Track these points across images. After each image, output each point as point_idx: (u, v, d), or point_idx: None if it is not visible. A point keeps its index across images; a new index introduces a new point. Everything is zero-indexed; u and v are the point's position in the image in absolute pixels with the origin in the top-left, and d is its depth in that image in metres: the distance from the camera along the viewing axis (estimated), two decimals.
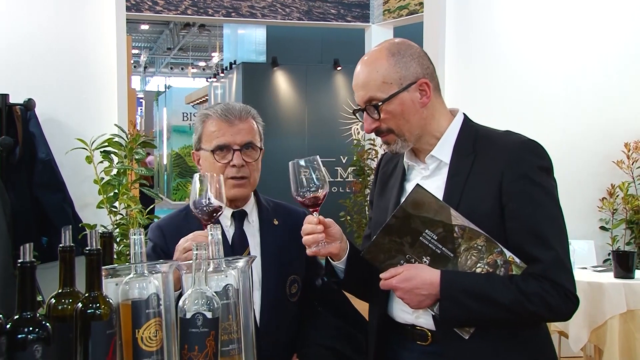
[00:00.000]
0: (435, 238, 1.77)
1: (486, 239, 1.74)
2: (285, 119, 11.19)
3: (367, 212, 7.21)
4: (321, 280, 2.32)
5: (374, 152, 7.56)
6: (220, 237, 1.61)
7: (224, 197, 1.79)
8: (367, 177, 7.55)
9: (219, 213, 1.79)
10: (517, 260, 1.73)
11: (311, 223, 1.87)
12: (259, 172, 2.21)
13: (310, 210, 1.88)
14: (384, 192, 2.06)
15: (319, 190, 1.86)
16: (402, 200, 1.83)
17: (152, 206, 4.16)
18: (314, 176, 1.86)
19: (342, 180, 10.66)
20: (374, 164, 7.24)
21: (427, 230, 1.77)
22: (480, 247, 1.74)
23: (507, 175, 1.76)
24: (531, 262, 1.72)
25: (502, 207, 1.75)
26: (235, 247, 2.14)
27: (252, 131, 2.16)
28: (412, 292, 1.76)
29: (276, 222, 2.24)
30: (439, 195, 1.83)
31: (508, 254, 1.73)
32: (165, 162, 22.69)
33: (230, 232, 2.19)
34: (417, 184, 1.81)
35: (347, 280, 1.96)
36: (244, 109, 2.18)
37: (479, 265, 1.75)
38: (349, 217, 7.72)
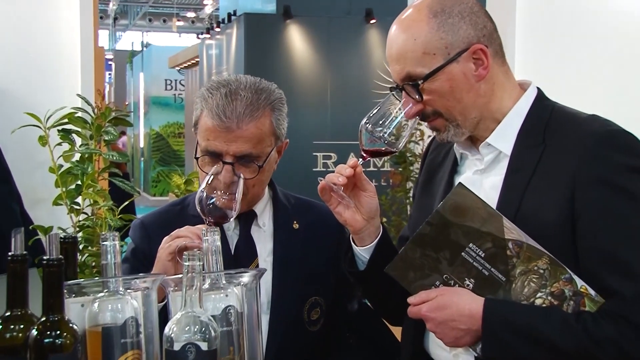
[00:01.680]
0: (482, 255, 1.78)
1: (550, 260, 1.73)
2: (301, 89, 11.20)
3: (408, 212, 7.17)
4: (357, 304, 2.34)
5: (419, 133, 7.53)
6: (219, 244, 1.62)
7: (238, 198, 1.85)
8: (410, 165, 7.52)
9: (232, 216, 1.83)
10: (592, 292, 1.72)
11: (348, 163, 1.90)
12: (265, 182, 2.21)
13: (361, 153, 1.91)
14: (430, 186, 2.09)
15: (386, 145, 1.89)
16: (445, 198, 1.84)
17: (126, 202, 4.17)
18: (397, 123, 1.90)
19: (376, 170, 10.64)
20: (419, 149, 7.21)
21: (471, 245, 1.78)
22: (542, 271, 1.74)
23: (581, 176, 1.76)
24: (608, 296, 1.71)
25: (574, 219, 1.75)
26: (240, 257, 2.15)
27: (257, 137, 2.11)
28: (446, 325, 1.77)
29: (296, 226, 2.26)
30: (494, 197, 1.84)
31: (580, 282, 1.73)
32: (141, 144, 22.84)
33: (233, 238, 2.20)
34: (459, 183, 1.82)
35: (368, 275, 1.98)
36: (254, 104, 2.12)
37: (539, 295, 1.75)
38: (385, 220, 7.70)
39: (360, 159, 1.92)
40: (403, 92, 1.90)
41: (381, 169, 10.44)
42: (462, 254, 1.78)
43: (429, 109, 1.90)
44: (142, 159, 22.62)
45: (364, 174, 1.93)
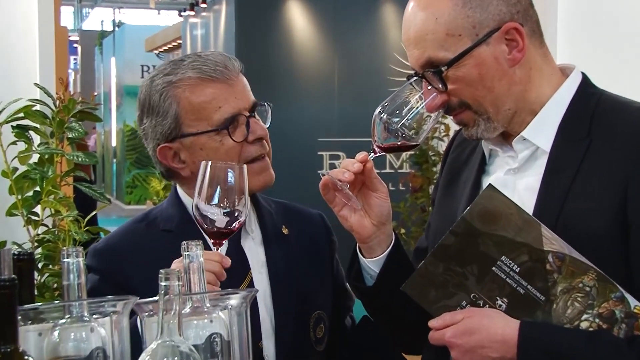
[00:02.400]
0: (517, 270, 1.78)
1: (598, 276, 1.74)
2: (303, 78, 11.20)
3: None
4: (350, 318, 2.42)
5: (443, 127, 7.53)
6: (202, 259, 1.63)
7: (247, 200, 1.88)
8: (433, 166, 7.52)
9: (239, 226, 1.89)
10: None
11: (357, 158, 1.93)
12: None
13: (374, 146, 1.94)
14: (453, 189, 2.11)
15: (411, 136, 1.92)
16: (472, 202, 1.85)
17: (94, 212, 4.18)
18: (416, 113, 1.93)
19: (392, 172, 10.65)
20: (443, 147, 7.21)
21: (503, 257, 1.79)
22: (588, 289, 1.75)
23: (636, 177, 1.77)
24: None
25: (627, 227, 1.76)
26: (231, 272, 2.15)
27: (248, 88, 2.29)
28: (475, 353, 1.78)
29: (286, 231, 2.34)
30: (530, 201, 1.85)
31: (633, 302, 1.73)
32: (113, 143, 22.88)
33: (222, 250, 2.21)
34: (489, 185, 1.83)
35: (377, 292, 2.00)
36: (231, 57, 2.28)
37: (585, 317, 1.76)
38: (403, 230, 7.69)
39: (372, 153, 1.94)
40: (423, 80, 1.91)
41: (399, 171, 10.45)
42: (493, 268, 1.79)
43: (454, 100, 1.91)
44: (115, 160, 22.66)
45: (375, 172, 1.93)
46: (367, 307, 2.15)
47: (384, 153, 1.97)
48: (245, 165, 1.92)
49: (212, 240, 1.92)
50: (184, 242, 1.67)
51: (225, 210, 1.87)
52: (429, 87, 1.92)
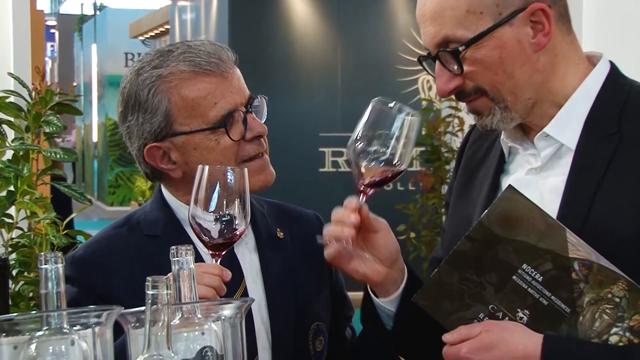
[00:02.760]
0: (540, 279, 1.79)
1: (629, 286, 1.74)
2: (304, 68, 11.20)
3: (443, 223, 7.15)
4: (350, 329, 2.43)
5: (457, 121, 7.53)
6: (193, 266, 1.64)
7: (247, 206, 1.89)
8: (446, 164, 7.51)
9: (240, 235, 1.89)
10: None
11: (346, 206, 1.91)
12: None
13: (359, 188, 1.93)
14: (469, 190, 2.11)
15: (389, 167, 1.91)
16: (491, 205, 1.85)
17: (74, 214, 4.19)
18: (395, 142, 1.92)
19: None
20: (457, 143, 7.21)
21: (525, 266, 1.79)
22: (617, 300, 1.75)
23: None
24: None
25: None
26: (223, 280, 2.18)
27: (243, 81, 2.29)
28: None
29: (281, 235, 2.34)
30: (554, 203, 1.85)
31: None
32: (94, 138, 22.88)
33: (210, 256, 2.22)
34: (509, 186, 1.84)
35: (399, 334, 2.01)
36: (224, 47, 2.29)
37: (614, 330, 1.76)
38: (413, 234, 7.68)
39: (361, 196, 1.93)
40: (437, 62, 1.91)
41: (409, 169, 10.41)
42: (514, 277, 1.79)
43: (469, 85, 1.91)
44: (96, 157, 22.66)
45: (370, 213, 1.93)
46: (390, 349, 2.15)
47: (374, 191, 1.95)
48: (246, 169, 1.92)
49: (211, 252, 1.92)
50: (173, 247, 1.67)
51: (225, 219, 1.88)
52: (442, 69, 1.91)
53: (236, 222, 1.88)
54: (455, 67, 1.89)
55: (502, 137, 2.02)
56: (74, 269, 2.23)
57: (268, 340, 2.21)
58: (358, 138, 1.92)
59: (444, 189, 7.40)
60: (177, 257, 1.65)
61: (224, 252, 1.94)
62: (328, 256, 1.94)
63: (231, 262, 2.21)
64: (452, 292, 1.83)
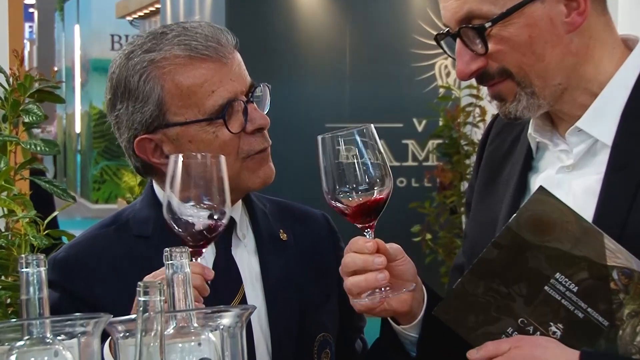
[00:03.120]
0: (575, 290, 1.78)
1: None
2: (308, 53, 11.20)
3: (464, 225, 7.13)
4: (361, 341, 2.45)
5: (478, 111, 7.51)
6: (188, 270, 1.63)
7: (227, 197, 1.87)
8: (466, 158, 7.50)
9: (221, 229, 1.87)
10: None
11: (362, 251, 1.91)
12: None
13: (360, 226, 1.94)
14: (493, 189, 2.11)
15: (375, 189, 1.92)
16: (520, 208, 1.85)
17: (55, 214, 4.19)
18: (366, 161, 1.93)
19: (416, 164, 10.65)
20: (478, 135, 7.21)
21: (558, 275, 1.78)
22: None
23: None
24: None
25: None
26: (219, 285, 2.16)
27: (243, 66, 2.29)
28: None
29: (284, 236, 2.35)
30: (589, 205, 1.85)
31: None
32: (77, 129, 22.90)
33: (209, 259, 2.24)
34: (540, 187, 1.82)
35: (423, 358, 2.02)
36: (223, 29, 2.29)
37: None
38: (429, 236, 7.68)
39: (368, 230, 1.95)
40: (458, 40, 1.90)
41: (424, 164, 10.46)
42: (546, 287, 1.79)
43: (493, 66, 1.91)
44: (79, 150, 22.68)
45: (380, 240, 1.95)
46: None
47: (368, 221, 1.96)
48: (222, 157, 1.90)
49: (191, 250, 1.91)
50: (166, 249, 1.67)
51: (202, 212, 1.87)
52: (464, 48, 1.91)
53: (216, 215, 1.87)
54: (479, 46, 1.88)
55: (529, 131, 2.01)
56: (56, 271, 2.23)
57: (268, 353, 2.22)
58: (333, 180, 1.94)
59: (464, 185, 7.41)
60: (171, 260, 1.64)
61: (204, 249, 1.92)
62: (360, 309, 1.95)
63: (228, 266, 2.22)
64: (477, 304, 1.83)
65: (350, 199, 1.91)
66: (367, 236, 1.93)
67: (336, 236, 2.45)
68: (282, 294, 2.26)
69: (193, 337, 1.59)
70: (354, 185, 1.91)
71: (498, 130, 2.18)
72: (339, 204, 1.92)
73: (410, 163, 10.68)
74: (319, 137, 1.95)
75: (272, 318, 2.23)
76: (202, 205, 1.86)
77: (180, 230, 1.87)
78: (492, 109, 2.68)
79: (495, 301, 1.82)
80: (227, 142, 2.20)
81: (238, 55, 2.27)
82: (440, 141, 7.92)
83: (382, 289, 1.91)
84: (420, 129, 10.70)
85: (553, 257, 1.78)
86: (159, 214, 2.25)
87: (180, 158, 1.88)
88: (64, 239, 3.39)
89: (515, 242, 1.79)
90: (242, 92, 2.23)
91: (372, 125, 1.97)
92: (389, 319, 2.05)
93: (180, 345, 1.57)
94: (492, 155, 2.17)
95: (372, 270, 1.89)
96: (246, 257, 2.28)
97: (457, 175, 7.59)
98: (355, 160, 1.92)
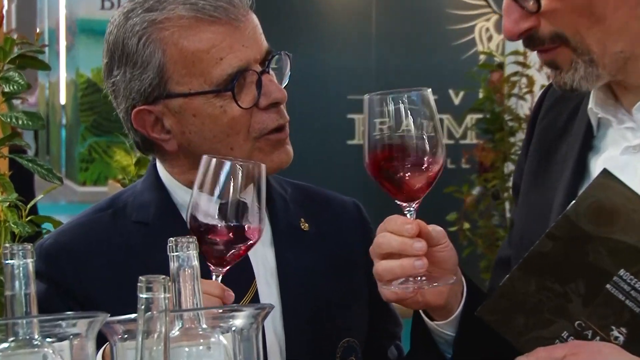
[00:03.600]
0: None
1: None
2: (328, 15, 11.23)
3: (507, 213, 7.12)
4: (396, 349, 2.45)
5: (525, 81, 7.50)
6: (196, 263, 1.62)
7: (264, 199, 1.91)
8: (511, 136, 7.51)
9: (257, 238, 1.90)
10: None
11: (401, 232, 1.90)
12: None
13: (403, 204, 1.95)
14: (546, 172, 2.12)
15: (425, 161, 1.91)
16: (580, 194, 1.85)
17: (39, 197, 4.21)
18: (417, 129, 1.92)
19: (453, 142, 10.67)
20: (526, 109, 7.22)
21: (622, 271, 1.78)
22: None
23: None
24: None
25: None
26: (229, 281, 2.16)
27: (260, 30, 2.27)
28: None
29: (305, 227, 2.35)
30: None
31: None
32: (62, 100, 22.97)
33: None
34: (604, 170, 1.82)
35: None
36: None
37: None
38: (467, 225, 7.70)
39: (410, 209, 1.95)
40: None
41: (461, 142, 10.49)
42: (607, 286, 1.78)
43: (546, 29, 1.90)
44: (64, 124, 22.75)
45: (422, 221, 1.94)
46: None
47: (413, 197, 1.96)
48: (263, 166, 1.92)
49: (212, 268, 1.93)
50: (172, 238, 1.65)
51: (232, 224, 1.89)
52: (513, 5, 1.91)
53: (246, 228, 1.90)
54: (531, 2, 1.87)
55: (589, 105, 2.00)
56: (43, 261, 2.22)
57: (282, 359, 2.21)
58: (379, 144, 1.94)
59: (507, 167, 7.41)
60: (176, 251, 1.64)
61: (226, 269, 1.95)
62: (392, 299, 1.97)
63: (240, 260, 2.20)
64: (528, 304, 1.82)
65: (395, 171, 1.90)
66: (409, 216, 1.93)
67: (368, 227, 2.44)
68: (300, 292, 2.25)
69: (201, 340, 1.59)
70: (402, 156, 1.90)
71: (551, 103, 2.17)
72: (382, 177, 1.91)
73: (445, 141, 10.68)
74: (366, 97, 1.94)
75: (287, 320, 2.23)
76: (230, 217, 1.89)
77: (207, 238, 1.89)
78: (541, 78, 2.65)
79: (548, 301, 1.81)
80: (236, 119, 2.19)
81: (253, 17, 2.26)
82: (480, 116, 7.92)
83: (418, 277, 1.90)
84: (457, 101, 10.74)
85: (617, 251, 1.77)
86: (161, 198, 2.26)
87: (214, 161, 1.89)
88: (50, 226, 3.38)
89: (573, 233, 1.78)
90: (257, 61, 2.22)
91: (429, 89, 1.96)
92: (421, 312, 2.06)
93: (187, 349, 1.57)
94: (544, 133, 2.16)
95: (409, 256, 1.88)
96: (260, 250, 2.26)
97: (500, 156, 7.59)
98: (406, 127, 1.91)
